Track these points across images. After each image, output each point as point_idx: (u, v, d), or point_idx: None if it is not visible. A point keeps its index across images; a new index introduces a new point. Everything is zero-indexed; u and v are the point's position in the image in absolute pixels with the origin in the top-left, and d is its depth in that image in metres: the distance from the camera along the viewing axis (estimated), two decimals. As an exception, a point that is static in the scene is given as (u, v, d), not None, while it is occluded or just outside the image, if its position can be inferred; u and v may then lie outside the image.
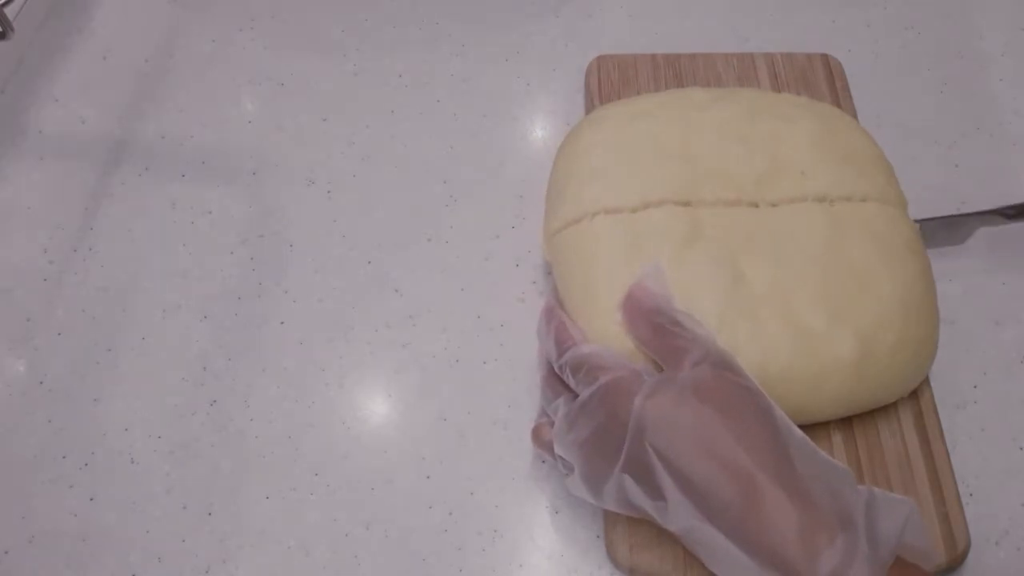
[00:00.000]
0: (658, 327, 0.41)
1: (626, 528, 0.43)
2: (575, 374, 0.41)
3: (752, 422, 0.37)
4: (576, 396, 0.41)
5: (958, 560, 0.42)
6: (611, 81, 0.58)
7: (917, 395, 0.46)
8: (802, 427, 0.43)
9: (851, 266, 0.44)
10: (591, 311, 0.44)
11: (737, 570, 0.36)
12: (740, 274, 0.43)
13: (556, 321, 0.44)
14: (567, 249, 0.47)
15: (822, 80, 0.58)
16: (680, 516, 0.37)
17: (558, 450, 0.41)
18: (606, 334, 0.43)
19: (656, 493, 0.37)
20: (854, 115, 0.56)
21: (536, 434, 0.45)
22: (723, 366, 0.39)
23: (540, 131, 0.59)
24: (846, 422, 0.45)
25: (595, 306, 0.44)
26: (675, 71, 0.58)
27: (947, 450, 0.45)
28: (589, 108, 0.57)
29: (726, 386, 0.38)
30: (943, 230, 0.51)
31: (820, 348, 0.42)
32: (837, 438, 0.45)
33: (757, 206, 0.46)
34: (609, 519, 0.43)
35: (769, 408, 0.38)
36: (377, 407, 0.49)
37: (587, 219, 0.46)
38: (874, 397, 0.44)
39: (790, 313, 0.43)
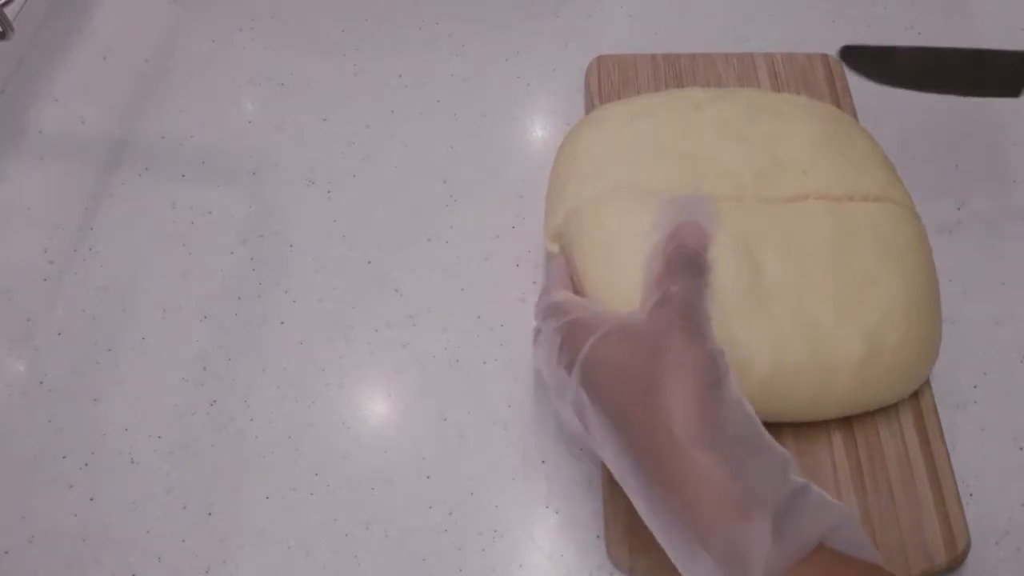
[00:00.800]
0: (674, 262, 0.40)
1: (626, 528, 0.43)
2: (545, 320, 0.42)
3: (691, 378, 0.35)
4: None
5: (958, 560, 0.42)
6: (611, 81, 0.58)
7: (917, 396, 0.46)
8: (805, 426, 0.43)
9: (858, 265, 0.44)
10: (612, 283, 0.43)
11: (655, 527, 0.36)
12: (755, 263, 0.43)
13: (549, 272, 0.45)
14: (587, 224, 0.46)
15: (822, 80, 0.58)
16: (609, 461, 0.37)
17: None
18: (627, 305, 0.43)
19: (592, 435, 0.38)
20: (854, 115, 0.56)
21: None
22: (683, 318, 0.37)
23: (540, 131, 0.59)
24: (846, 422, 0.45)
25: (616, 278, 0.43)
26: (675, 71, 0.58)
27: (947, 450, 0.45)
28: (589, 108, 0.57)
29: (674, 337, 0.37)
30: (1006, 73, 0.48)
31: (831, 345, 0.42)
32: (837, 438, 0.45)
33: (764, 203, 0.46)
34: (609, 519, 0.43)
35: (721, 376, 0.36)
36: (377, 407, 0.49)
37: (610, 196, 0.46)
38: (879, 396, 0.44)
39: (802, 309, 0.43)
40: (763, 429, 0.36)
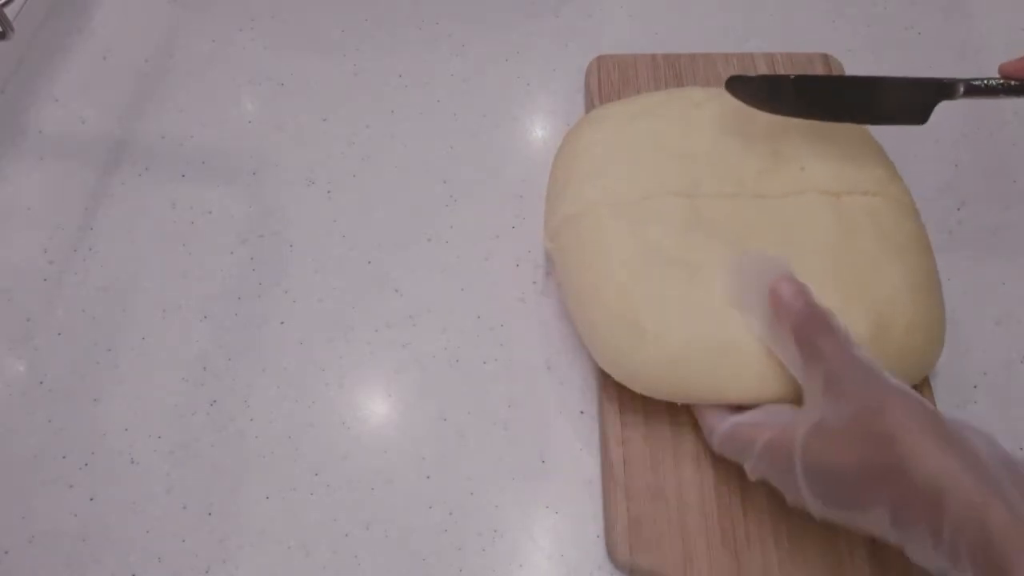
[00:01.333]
0: (802, 330, 0.40)
1: (626, 528, 0.43)
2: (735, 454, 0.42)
3: (917, 419, 0.35)
4: None
5: (958, 560, 0.42)
6: (611, 81, 0.58)
7: (917, 395, 0.46)
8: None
9: (859, 255, 0.44)
10: (595, 297, 0.45)
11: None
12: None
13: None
14: (570, 242, 0.47)
15: (822, 80, 0.58)
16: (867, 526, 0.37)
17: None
18: (611, 318, 0.44)
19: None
20: (854, 115, 0.56)
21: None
22: (861, 382, 0.37)
23: (540, 131, 0.59)
24: (846, 422, 0.45)
25: (599, 292, 0.44)
26: (675, 71, 0.58)
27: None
28: (589, 108, 0.57)
29: (870, 407, 0.37)
30: (905, 102, 0.48)
31: None
32: (837, 438, 0.45)
33: (763, 198, 0.46)
34: (609, 519, 0.43)
35: (928, 405, 0.37)
36: (377, 407, 0.49)
37: (590, 211, 0.46)
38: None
39: None
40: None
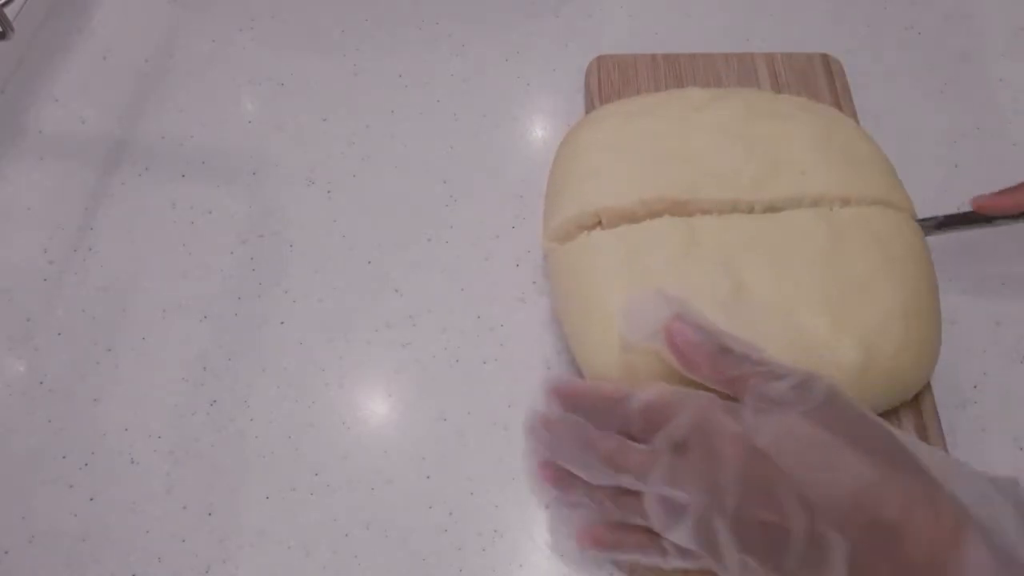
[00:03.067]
0: (714, 357, 0.39)
1: (626, 528, 0.43)
2: (648, 423, 0.39)
3: (876, 439, 0.36)
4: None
5: (958, 560, 0.42)
6: (611, 81, 0.58)
7: (918, 396, 0.46)
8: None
9: (852, 273, 0.44)
10: (588, 325, 0.45)
11: None
12: (740, 282, 0.43)
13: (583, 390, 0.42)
14: (563, 266, 0.47)
15: (822, 80, 0.58)
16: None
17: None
18: (604, 348, 0.44)
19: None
20: (854, 115, 0.56)
21: (594, 539, 0.42)
22: (831, 395, 0.37)
23: (540, 131, 0.59)
24: (846, 422, 0.45)
25: (591, 319, 0.44)
26: (675, 71, 0.58)
27: (947, 450, 0.45)
28: (589, 108, 0.57)
29: (843, 412, 0.37)
30: None
31: (824, 356, 0.42)
32: (837, 438, 0.45)
33: (754, 210, 0.46)
34: (609, 519, 0.43)
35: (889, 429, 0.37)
36: (377, 407, 0.49)
37: (583, 235, 0.46)
38: (877, 403, 0.44)
39: (792, 321, 0.42)
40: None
